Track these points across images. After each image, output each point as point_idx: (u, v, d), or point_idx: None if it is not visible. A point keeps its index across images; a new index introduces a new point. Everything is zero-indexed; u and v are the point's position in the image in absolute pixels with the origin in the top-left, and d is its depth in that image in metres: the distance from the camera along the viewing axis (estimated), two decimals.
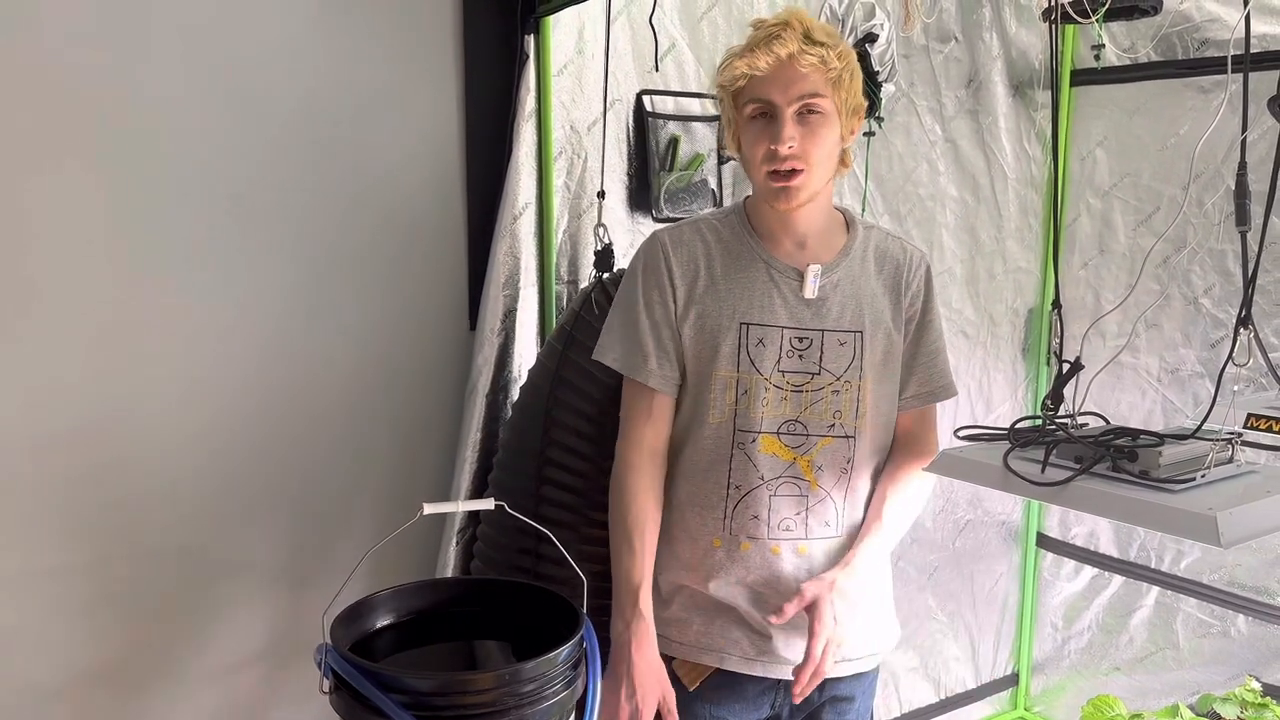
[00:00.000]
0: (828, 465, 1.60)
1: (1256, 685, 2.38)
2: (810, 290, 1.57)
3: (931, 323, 1.69)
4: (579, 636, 1.37)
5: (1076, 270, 2.77)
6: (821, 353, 1.58)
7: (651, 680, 1.53)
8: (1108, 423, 1.46)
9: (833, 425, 1.60)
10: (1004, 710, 3.04)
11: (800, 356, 1.57)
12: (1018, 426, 1.42)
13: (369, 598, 1.43)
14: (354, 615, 1.39)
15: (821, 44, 1.49)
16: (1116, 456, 1.27)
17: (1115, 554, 2.79)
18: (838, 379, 1.59)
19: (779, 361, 1.57)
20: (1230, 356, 1.28)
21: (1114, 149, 2.69)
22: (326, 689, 1.31)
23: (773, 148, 1.48)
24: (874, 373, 1.61)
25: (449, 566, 1.95)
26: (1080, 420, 1.48)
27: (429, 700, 1.24)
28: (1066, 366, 1.44)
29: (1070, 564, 2.90)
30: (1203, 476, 1.25)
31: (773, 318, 1.57)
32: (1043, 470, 1.30)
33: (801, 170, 1.50)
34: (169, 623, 1.79)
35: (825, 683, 1.64)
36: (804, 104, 1.48)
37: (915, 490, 1.68)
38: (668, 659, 1.63)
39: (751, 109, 1.50)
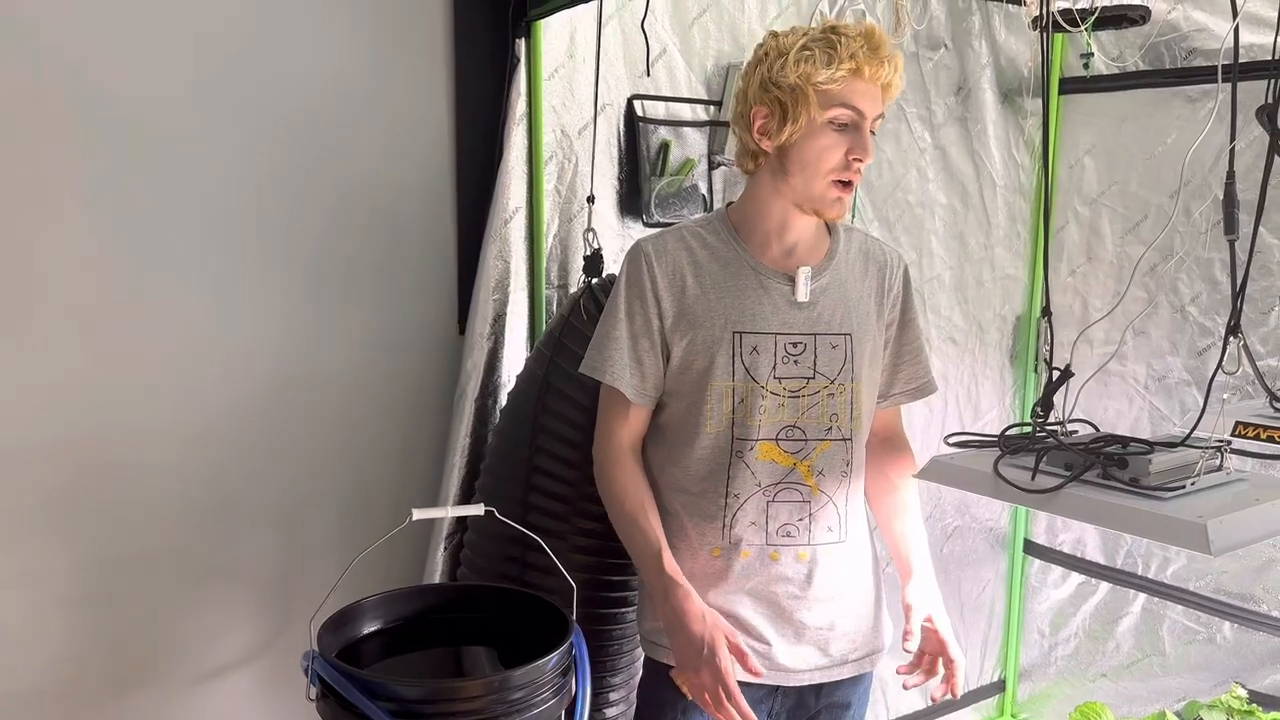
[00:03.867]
0: (829, 469, 1.60)
1: (1242, 692, 2.39)
2: (802, 294, 1.57)
3: (913, 320, 1.72)
4: (568, 644, 1.36)
5: (1064, 278, 2.78)
6: (815, 356, 1.58)
7: (710, 630, 1.47)
8: (1097, 430, 1.47)
9: (830, 429, 1.60)
10: (991, 717, 3.04)
11: (795, 361, 1.57)
12: (1008, 433, 1.42)
13: (356, 604, 1.42)
14: (341, 621, 1.39)
15: (897, 61, 1.53)
16: (1107, 464, 1.27)
17: (1102, 561, 2.80)
18: (832, 382, 1.59)
19: (774, 368, 1.56)
20: (1220, 365, 1.28)
21: (1102, 157, 2.70)
22: (313, 696, 1.30)
23: (857, 158, 1.50)
24: (864, 374, 1.62)
25: (437, 573, 1.94)
26: (1070, 427, 1.48)
27: (417, 708, 1.23)
28: (1057, 374, 1.44)
29: (1057, 571, 2.91)
30: (1192, 484, 1.25)
31: (765, 324, 1.56)
32: (1033, 477, 1.29)
33: (856, 182, 1.54)
34: (154, 628, 1.77)
35: (822, 687, 1.65)
36: (875, 123, 1.52)
37: (915, 490, 1.74)
38: (666, 667, 1.62)
39: (840, 114, 1.49)
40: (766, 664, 1.60)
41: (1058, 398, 1.51)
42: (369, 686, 1.24)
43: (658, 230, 1.69)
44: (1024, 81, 2.70)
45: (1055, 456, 1.33)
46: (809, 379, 1.58)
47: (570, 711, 1.38)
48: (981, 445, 1.49)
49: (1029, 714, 3.02)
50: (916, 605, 1.68)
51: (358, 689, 1.23)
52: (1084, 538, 2.84)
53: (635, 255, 1.61)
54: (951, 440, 1.52)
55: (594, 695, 1.84)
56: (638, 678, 1.84)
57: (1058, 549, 2.90)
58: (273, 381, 1.84)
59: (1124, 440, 1.34)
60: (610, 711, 1.90)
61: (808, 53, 1.48)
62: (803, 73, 1.47)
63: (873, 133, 1.52)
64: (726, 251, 1.59)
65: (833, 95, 1.48)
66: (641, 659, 1.74)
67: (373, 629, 1.44)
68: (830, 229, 1.65)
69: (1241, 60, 1.59)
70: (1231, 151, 1.57)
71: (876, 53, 1.48)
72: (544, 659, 1.29)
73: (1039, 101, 2.74)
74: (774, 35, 1.55)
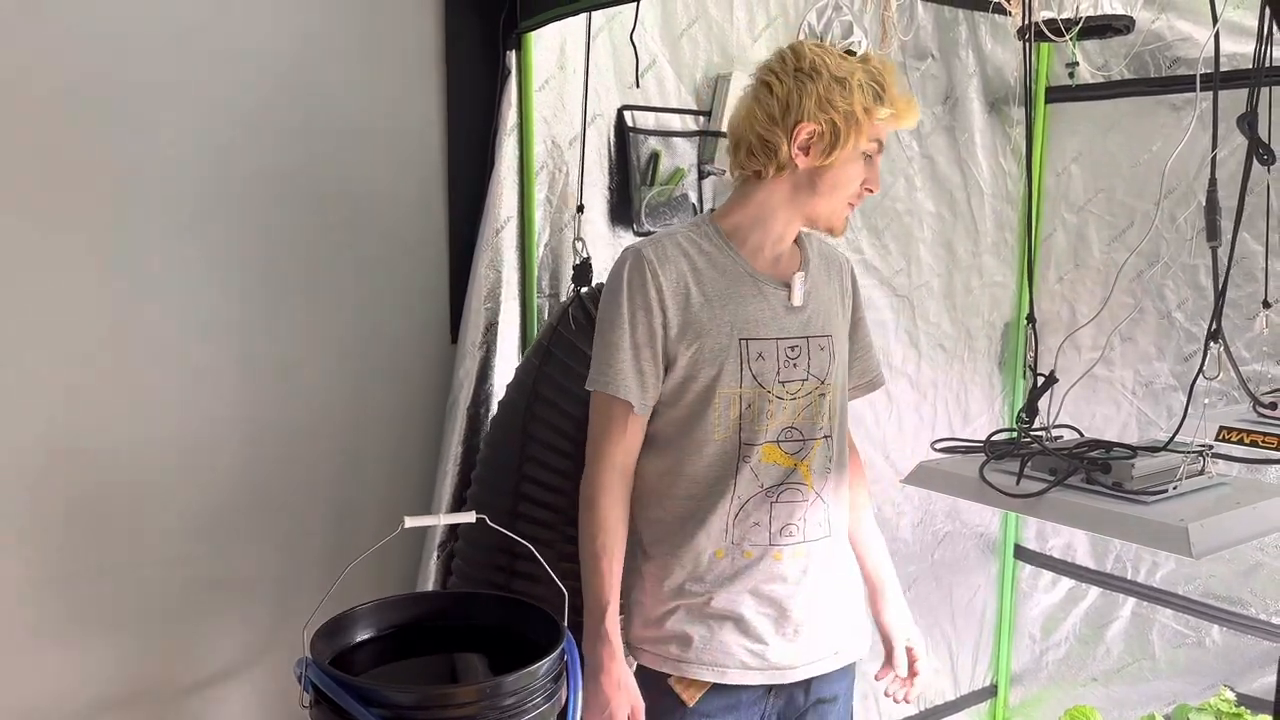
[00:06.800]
0: (819, 468, 1.64)
1: (1231, 695, 2.41)
2: (798, 298, 1.61)
3: (863, 317, 1.80)
4: (560, 649, 1.37)
5: (1052, 284, 2.80)
6: (809, 359, 1.62)
7: (621, 697, 1.57)
8: (1082, 435, 1.49)
9: (820, 426, 1.63)
10: None
11: (793, 365, 1.60)
12: (994, 439, 1.44)
13: (349, 611, 1.43)
14: (334, 629, 1.39)
15: None
16: (1090, 469, 1.29)
17: (1092, 565, 2.81)
18: (822, 382, 1.63)
19: (778, 372, 1.59)
20: (1201, 370, 1.30)
21: (1088, 165, 2.73)
22: (306, 703, 1.31)
23: (871, 189, 1.62)
24: (840, 371, 1.68)
25: (430, 580, 1.95)
26: (1055, 433, 1.50)
27: (410, 714, 1.24)
28: (1041, 380, 1.46)
29: (1048, 575, 2.93)
30: (1175, 488, 1.27)
31: (766, 330, 1.59)
32: (1018, 482, 1.31)
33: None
34: (147, 636, 1.77)
35: (811, 683, 1.68)
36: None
37: (864, 488, 1.84)
38: (663, 676, 1.63)
39: (873, 146, 1.59)
40: (761, 664, 1.63)
41: (1043, 403, 1.53)
42: (362, 693, 1.24)
43: (648, 237, 1.70)
44: (1010, 91, 2.72)
45: (1040, 461, 1.35)
46: (804, 380, 1.61)
47: (562, 716, 1.39)
48: (967, 451, 1.51)
49: (1021, 718, 3.03)
50: (896, 631, 1.82)
51: (350, 695, 1.24)
52: (1074, 542, 2.86)
53: (638, 263, 1.57)
54: (938, 446, 1.54)
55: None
56: None
57: (1048, 554, 2.91)
58: (265, 391, 1.84)
59: (1107, 445, 1.37)
60: None
61: (867, 87, 1.55)
62: (866, 105, 1.54)
63: None
64: (723, 259, 1.60)
65: (876, 128, 1.57)
66: (634, 666, 1.75)
67: (366, 636, 1.45)
68: (797, 236, 1.69)
69: (1223, 70, 1.61)
70: (1213, 159, 1.59)
71: (910, 97, 1.60)
72: (536, 665, 1.30)
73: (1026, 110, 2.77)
74: (819, 53, 1.56)
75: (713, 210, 1.68)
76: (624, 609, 1.76)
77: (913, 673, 1.83)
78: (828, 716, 1.72)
